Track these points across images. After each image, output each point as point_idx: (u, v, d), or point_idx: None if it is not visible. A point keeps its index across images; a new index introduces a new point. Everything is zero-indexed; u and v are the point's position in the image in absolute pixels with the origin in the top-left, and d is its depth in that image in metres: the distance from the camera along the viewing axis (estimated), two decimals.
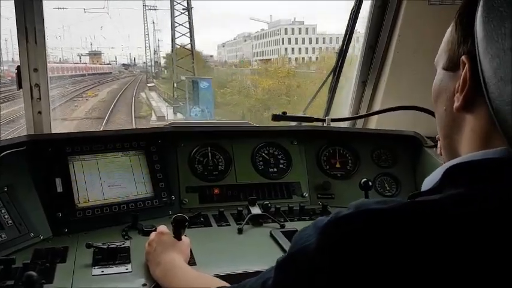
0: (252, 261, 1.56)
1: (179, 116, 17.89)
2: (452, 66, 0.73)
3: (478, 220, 0.59)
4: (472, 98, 0.67)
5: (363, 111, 2.53)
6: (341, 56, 2.44)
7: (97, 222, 1.76)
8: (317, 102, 2.70)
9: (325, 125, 2.33)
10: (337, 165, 2.26)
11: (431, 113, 1.98)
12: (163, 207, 1.91)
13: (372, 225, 0.62)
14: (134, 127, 9.31)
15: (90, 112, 17.34)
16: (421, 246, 0.58)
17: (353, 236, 0.62)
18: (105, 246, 1.51)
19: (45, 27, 2.08)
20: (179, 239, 1.46)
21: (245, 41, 36.10)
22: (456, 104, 0.69)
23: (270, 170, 2.18)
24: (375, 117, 2.46)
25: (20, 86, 2.09)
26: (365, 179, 1.94)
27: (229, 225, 1.85)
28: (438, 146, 0.96)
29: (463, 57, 0.68)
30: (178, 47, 24.11)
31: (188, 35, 23.93)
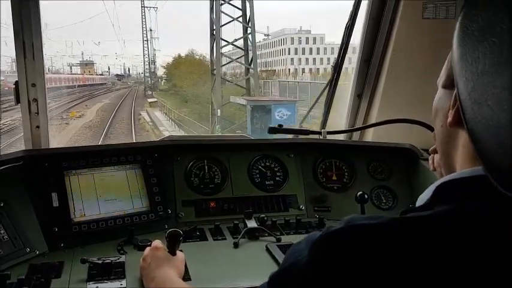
0: (248, 276, 1.56)
1: None
2: (449, 84, 0.74)
3: (467, 236, 0.59)
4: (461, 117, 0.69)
5: (358, 124, 2.54)
6: (336, 69, 2.46)
7: (93, 237, 1.77)
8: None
9: (321, 137, 2.34)
10: (334, 178, 2.27)
11: (427, 126, 2.00)
12: (159, 221, 1.91)
13: (361, 240, 0.63)
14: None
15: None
16: (409, 261, 0.59)
17: (343, 251, 0.63)
18: (100, 262, 1.51)
19: (43, 43, 2.11)
20: (174, 254, 1.47)
21: None
22: (449, 120, 0.71)
23: (266, 182, 2.19)
24: (371, 130, 2.47)
25: (18, 101, 2.11)
26: (361, 192, 1.95)
27: (225, 239, 1.85)
28: (430, 161, 0.97)
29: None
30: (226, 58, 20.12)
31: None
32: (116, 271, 1.50)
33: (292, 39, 30.03)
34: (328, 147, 2.32)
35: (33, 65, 2.07)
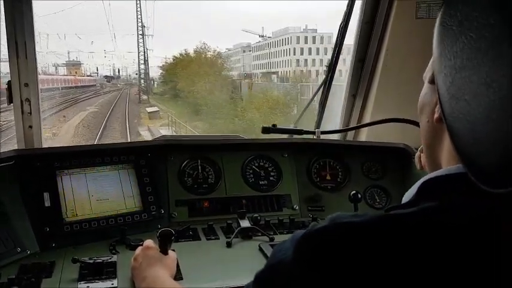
0: (240, 275, 1.54)
1: None
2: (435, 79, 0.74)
3: (451, 232, 0.59)
4: None
5: (353, 124, 2.54)
6: (331, 69, 2.46)
7: (85, 237, 1.76)
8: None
9: (315, 137, 2.34)
10: (328, 178, 2.27)
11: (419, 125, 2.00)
12: (152, 221, 1.90)
13: (346, 237, 0.63)
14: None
15: None
16: (393, 258, 0.59)
17: (328, 248, 0.63)
18: (91, 261, 1.50)
19: (35, 42, 2.10)
20: (165, 253, 1.46)
21: (244, 51, 33.48)
22: (436, 115, 0.71)
23: (260, 182, 2.19)
24: (365, 129, 2.48)
25: (10, 101, 2.10)
26: (354, 192, 1.95)
27: (218, 238, 1.85)
28: (416, 159, 0.97)
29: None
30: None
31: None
32: (107, 271, 1.49)
33: (298, 38, 27.70)
34: (322, 147, 2.32)
35: (26, 65, 2.06)
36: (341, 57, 2.45)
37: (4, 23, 1.97)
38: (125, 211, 1.87)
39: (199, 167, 2.13)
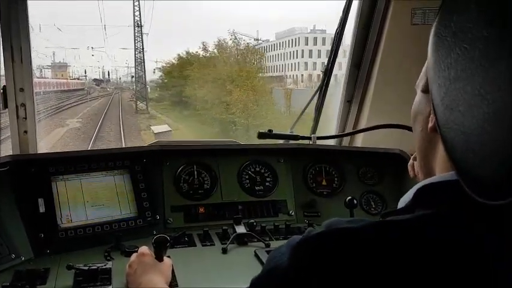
0: (236, 281, 1.54)
1: None
2: (428, 89, 0.74)
3: (445, 242, 0.59)
4: None
5: (349, 129, 2.55)
6: (326, 74, 2.46)
7: (80, 243, 1.75)
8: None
9: (311, 142, 2.34)
10: (324, 183, 2.27)
11: None
12: (147, 227, 1.90)
13: (342, 243, 0.63)
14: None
15: None
16: (389, 265, 0.59)
17: (325, 254, 0.63)
18: (86, 268, 1.49)
19: (31, 47, 2.10)
20: (160, 260, 1.45)
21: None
22: (430, 125, 0.71)
23: (256, 188, 2.18)
24: (361, 135, 2.48)
25: (5, 106, 2.09)
26: (350, 197, 1.95)
27: (213, 244, 1.84)
28: (409, 167, 0.97)
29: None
30: None
31: None
32: (102, 277, 1.48)
33: (307, 39, 25.05)
34: (318, 153, 2.32)
35: (21, 69, 2.05)
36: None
37: None
38: (120, 217, 1.86)
39: (195, 173, 2.13)
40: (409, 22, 2.21)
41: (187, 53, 22.03)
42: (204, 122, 16.65)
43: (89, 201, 1.84)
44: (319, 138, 2.35)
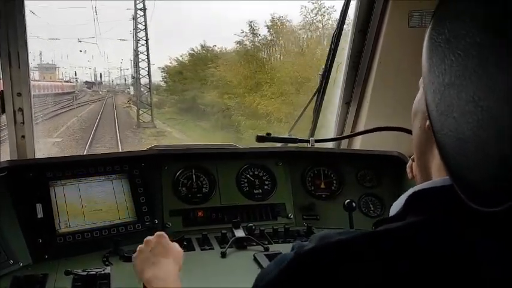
0: (235, 285, 1.54)
1: None
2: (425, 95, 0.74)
3: (437, 251, 0.58)
4: None
5: (347, 132, 2.55)
6: (324, 77, 2.47)
7: (78, 248, 1.74)
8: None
9: (309, 145, 2.34)
10: (322, 186, 2.26)
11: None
12: (146, 231, 1.88)
13: (337, 258, 0.61)
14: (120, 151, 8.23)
15: None
16: (383, 276, 0.58)
17: (319, 272, 0.61)
18: (84, 273, 1.49)
19: (28, 52, 2.09)
20: (181, 245, 1.35)
21: None
22: (428, 123, 0.70)
23: (254, 191, 2.18)
24: (359, 137, 2.48)
25: (3, 111, 2.09)
26: (348, 200, 1.94)
27: (212, 248, 1.84)
28: (408, 169, 0.97)
29: None
30: None
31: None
32: (100, 283, 1.48)
33: None
34: (316, 156, 2.32)
35: (19, 74, 2.05)
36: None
37: None
38: (118, 222, 1.86)
39: (194, 177, 2.12)
40: (407, 24, 2.22)
41: (204, 47, 17.84)
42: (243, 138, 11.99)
43: (87, 206, 1.83)
44: (317, 141, 2.34)
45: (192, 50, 18.22)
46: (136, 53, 19.57)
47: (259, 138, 2.28)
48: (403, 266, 0.58)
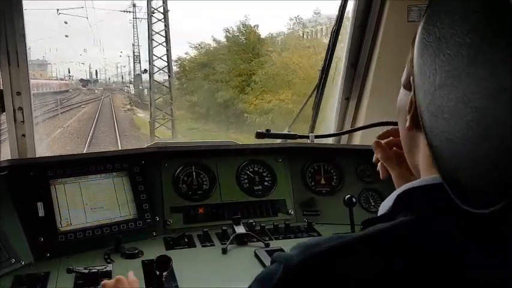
0: (236, 281, 1.55)
1: None
2: (407, 84, 0.73)
3: (427, 251, 0.58)
4: (418, 121, 0.68)
5: (347, 127, 2.55)
6: (323, 73, 2.46)
7: (80, 246, 1.75)
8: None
9: (309, 141, 2.34)
10: (322, 182, 2.27)
11: None
12: (147, 228, 1.90)
13: (326, 269, 0.60)
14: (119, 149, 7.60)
15: None
16: (373, 281, 0.57)
17: (320, 281, 0.59)
18: (86, 271, 1.49)
19: (27, 50, 2.09)
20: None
21: None
22: (407, 125, 0.70)
23: (255, 187, 2.19)
24: (359, 133, 2.48)
25: (2, 110, 2.09)
26: (349, 196, 1.95)
27: (213, 245, 1.85)
28: (380, 168, 0.97)
29: (411, 79, 0.69)
30: None
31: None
32: (102, 280, 1.48)
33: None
34: (316, 151, 2.32)
35: (18, 73, 2.05)
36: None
37: None
38: (119, 219, 1.86)
39: (194, 174, 2.13)
40: (406, 19, 2.21)
41: (246, 25, 13.63)
42: None
43: (88, 204, 1.84)
44: (317, 136, 2.34)
45: (227, 30, 14.02)
46: (150, 35, 15.47)
47: (259, 135, 2.27)
48: (399, 266, 0.57)
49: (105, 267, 1.56)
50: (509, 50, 0.45)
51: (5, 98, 2.06)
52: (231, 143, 2.40)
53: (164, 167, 2.08)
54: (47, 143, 9.83)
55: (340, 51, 2.51)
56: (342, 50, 2.52)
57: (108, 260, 1.67)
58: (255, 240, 1.86)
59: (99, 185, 1.89)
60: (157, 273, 1.31)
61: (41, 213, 1.74)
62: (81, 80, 27.36)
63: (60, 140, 11.12)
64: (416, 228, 0.60)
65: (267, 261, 1.66)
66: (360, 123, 2.49)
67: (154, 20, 15.43)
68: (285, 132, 2.38)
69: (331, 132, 2.62)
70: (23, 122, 2.12)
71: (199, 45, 15.68)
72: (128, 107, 17.62)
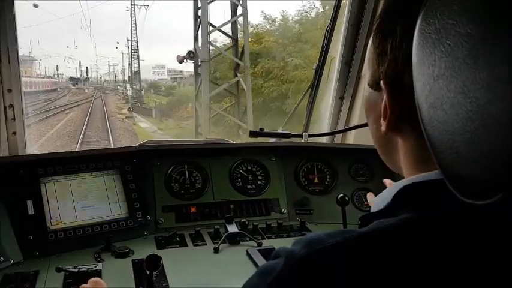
0: (228, 280, 1.54)
1: None
2: (375, 86, 0.71)
3: (432, 247, 0.58)
4: (397, 125, 0.68)
5: (340, 127, 2.55)
6: (318, 72, 2.46)
7: (70, 245, 1.73)
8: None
9: (303, 140, 2.33)
10: (316, 181, 2.26)
11: None
12: (138, 227, 1.88)
13: (332, 264, 0.59)
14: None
15: None
16: (380, 277, 0.57)
17: (315, 281, 0.58)
18: (75, 270, 1.48)
19: (18, 47, 2.08)
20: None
21: None
22: (383, 129, 0.69)
23: (248, 186, 2.17)
24: (353, 132, 2.48)
25: None
26: (341, 195, 1.94)
27: (205, 244, 1.83)
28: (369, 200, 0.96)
29: (381, 83, 0.68)
30: None
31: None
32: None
33: None
34: (309, 150, 2.32)
35: (9, 70, 2.03)
36: None
37: None
38: (110, 218, 1.84)
39: (186, 172, 2.11)
40: None
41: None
42: None
43: (79, 203, 1.82)
44: (310, 135, 2.34)
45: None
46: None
47: (252, 134, 2.27)
48: (405, 262, 0.57)
49: (95, 266, 1.54)
50: (508, 39, 0.44)
51: None
52: (224, 141, 2.39)
53: (156, 166, 2.07)
54: None
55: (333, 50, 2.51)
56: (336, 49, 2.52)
57: (98, 259, 1.65)
58: (247, 239, 1.84)
59: (90, 183, 1.87)
60: (148, 272, 1.30)
61: (31, 211, 1.72)
62: (71, 78, 26.13)
63: None
64: (421, 225, 0.60)
65: (259, 260, 1.65)
66: (354, 122, 2.49)
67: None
68: (279, 131, 2.38)
69: (325, 131, 2.62)
70: (14, 119, 2.11)
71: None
72: (126, 113, 15.02)
